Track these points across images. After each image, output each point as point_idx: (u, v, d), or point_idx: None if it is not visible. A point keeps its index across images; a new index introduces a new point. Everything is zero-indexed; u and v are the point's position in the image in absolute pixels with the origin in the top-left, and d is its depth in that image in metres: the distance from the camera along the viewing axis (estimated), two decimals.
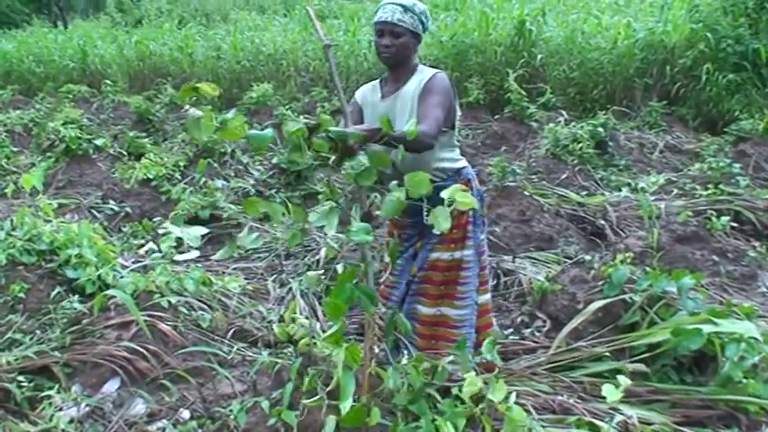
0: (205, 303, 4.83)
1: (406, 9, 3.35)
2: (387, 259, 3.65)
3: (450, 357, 3.17)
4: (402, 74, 3.53)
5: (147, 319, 4.28)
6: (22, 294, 4.54)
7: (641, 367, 3.74)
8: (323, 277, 5.71)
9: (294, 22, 19.74)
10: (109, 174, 9.01)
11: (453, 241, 3.54)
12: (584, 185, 8.17)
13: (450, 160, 3.58)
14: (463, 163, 3.66)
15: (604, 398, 3.00)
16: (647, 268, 4.66)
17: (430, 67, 3.62)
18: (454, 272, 3.57)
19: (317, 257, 5.93)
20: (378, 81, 3.70)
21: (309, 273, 3.62)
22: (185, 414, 3.88)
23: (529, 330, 4.76)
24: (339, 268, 5.54)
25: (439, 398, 3.18)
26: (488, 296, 3.75)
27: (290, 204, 3.01)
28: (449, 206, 2.73)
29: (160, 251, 5.28)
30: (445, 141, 3.58)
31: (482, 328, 3.61)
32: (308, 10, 3.25)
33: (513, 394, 2.97)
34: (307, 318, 4.96)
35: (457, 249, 3.55)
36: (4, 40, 25.14)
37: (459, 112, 3.66)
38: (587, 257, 5.74)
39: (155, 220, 7.13)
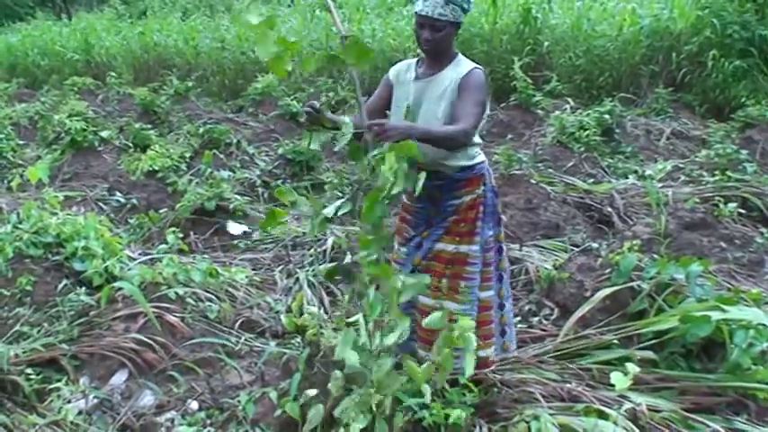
0: (212, 294, 4.83)
1: (447, 2, 3.28)
2: (396, 248, 3.66)
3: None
4: (440, 61, 3.50)
5: (154, 310, 4.29)
6: (29, 287, 4.55)
7: (650, 354, 3.74)
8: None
9: (299, 11, 19.69)
10: (115, 166, 9.01)
11: (459, 234, 3.52)
12: (590, 173, 8.15)
13: (467, 156, 3.55)
14: (480, 158, 3.62)
15: (613, 385, 2.99)
16: (655, 255, 4.65)
17: (468, 58, 3.59)
18: (459, 266, 3.54)
19: (324, 248, 5.92)
20: (414, 61, 3.65)
21: (321, 267, 3.64)
22: (194, 405, 3.90)
23: (537, 318, 4.75)
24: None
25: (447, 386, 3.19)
26: (491, 293, 3.71)
27: (308, 195, 3.04)
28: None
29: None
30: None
31: (481, 324, 3.59)
32: (328, 2, 3.20)
33: None
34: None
35: (463, 243, 3.53)
36: (9, 32, 25.12)
37: (488, 110, 3.63)
38: (594, 245, 5.73)
39: (161, 211, 7.13)
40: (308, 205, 3.05)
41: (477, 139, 3.54)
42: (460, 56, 3.55)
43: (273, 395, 3.39)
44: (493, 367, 3.69)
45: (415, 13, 3.38)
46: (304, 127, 2.98)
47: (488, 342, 3.63)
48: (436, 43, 3.39)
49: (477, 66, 3.51)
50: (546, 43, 13.06)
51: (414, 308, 3.66)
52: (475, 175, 3.56)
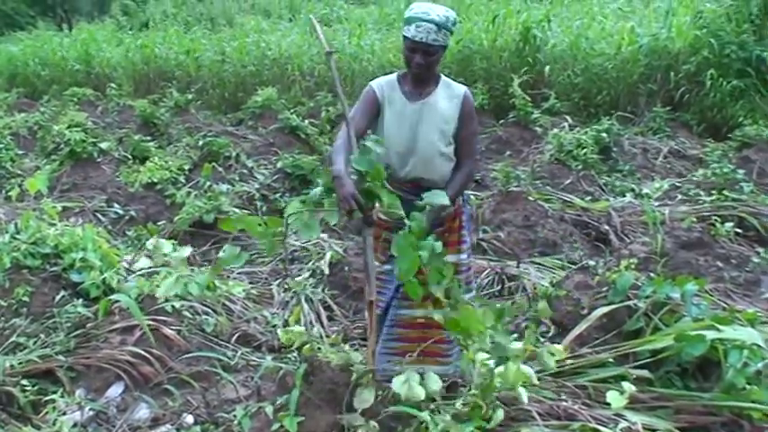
0: (209, 308, 4.83)
1: (440, 28, 3.35)
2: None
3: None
4: (428, 82, 3.57)
5: (151, 323, 4.29)
6: (26, 298, 4.55)
7: (645, 373, 3.74)
8: (326, 280, 5.72)
9: (299, 26, 19.75)
10: (113, 177, 9.02)
11: (447, 245, 3.53)
12: (588, 191, 8.18)
13: (451, 169, 3.62)
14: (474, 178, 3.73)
15: (609, 404, 3.00)
16: (652, 274, 4.66)
17: (447, 76, 3.69)
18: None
19: (322, 261, 5.93)
20: (394, 78, 3.69)
21: (295, 280, 3.66)
22: (189, 419, 3.89)
23: (533, 336, 4.75)
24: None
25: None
26: (471, 295, 3.75)
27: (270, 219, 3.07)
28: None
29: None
30: (453, 155, 3.63)
31: None
32: (311, 18, 3.30)
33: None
34: (311, 323, 4.98)
35: (452, 253, 3.56)
36: (10, 42, 25.18)
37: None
38: (591, 263, 5.73)
39: (159, 223, 7.13)
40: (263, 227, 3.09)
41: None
42: (442, 75, 3.67)
43: (269, 410, 3.38)
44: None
45: (406, 37, 3.43)
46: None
47: None
48: (428, 67, 3.47)
49: (466, 86, 3.66)
50: (545, 62, 13.12)
51: (398, 324, 3.69)
52: None
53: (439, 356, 3.66)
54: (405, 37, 3.45)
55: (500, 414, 3.09)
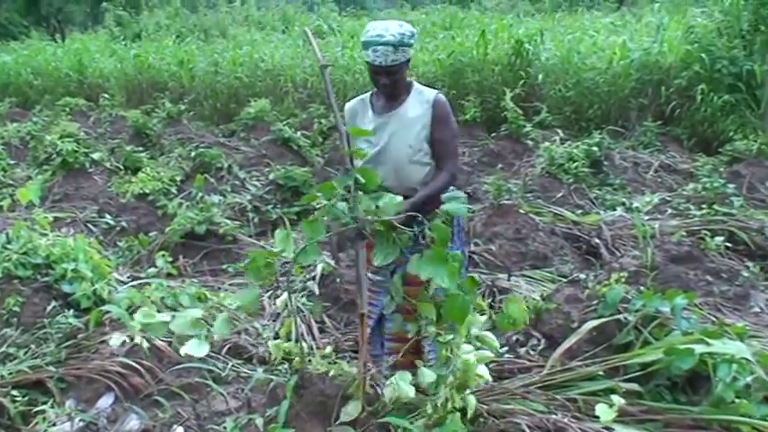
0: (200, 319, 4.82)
1: (396, 48, 3.38)
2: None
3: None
4: (400, 93, 3.61)
5: (142, 334, 4.28)
6: (17, 308, 4.54)
7: (635, 387, 3.75)
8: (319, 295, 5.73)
9: (292, 38, 19.79)
10: (105, 188, 9.02)
11: None
12: (579, 204, 8.20)
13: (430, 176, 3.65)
14: (456, 180, 3.73)
15: (598, 417, 3.01)
16: (642, 288, 4.68)
17: (423, 84, 3.74)
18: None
19: (314, 274, 5.93)
20: (368, 95, 3.76)
21: (278, 300, 3.67)
22: (179, 430, 3.89)
23: (524, 349, 4.76)
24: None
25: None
26: None
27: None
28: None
29: None
30: (433, 163, 3.65)
31: None
32: (305, 30, 3.33)
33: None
34: (302, 335, 4.98)
35: None
36: (3, 52, 25.14)
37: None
38: (582, 276, 5.76)
39: (150, 234, 7.13)
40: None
41: None
42: (415, 83, 3.70)
43: (260, 422, 3.39)
44: None
45: (368, 62, 3.48)
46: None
47: None
48: (394, 84, 3.53)
49: (438, 91, 3.68)
50: (537, 76, 13.17)
51: (391, 338, 3.71)
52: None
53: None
54: (366, 61, 3.50)
55: (472, 401, 3.11)
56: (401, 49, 3.39)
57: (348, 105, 3.80)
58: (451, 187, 3.71)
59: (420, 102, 3.59)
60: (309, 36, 3.27)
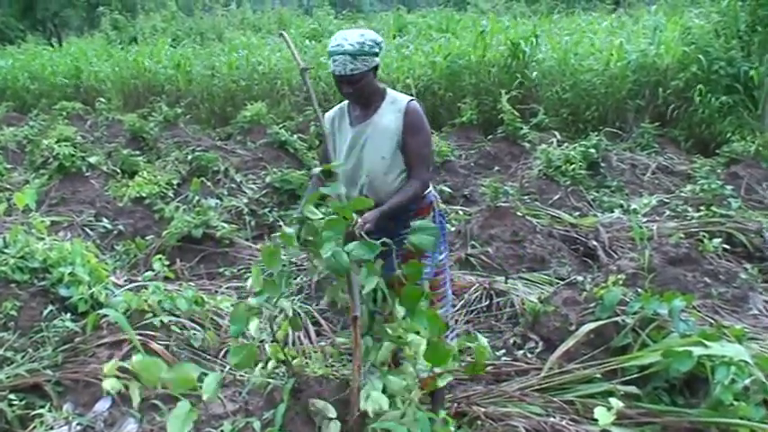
0: (197, 323, 4.82)
1: (355, 57, 3.39)
2: None
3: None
4: (371, 102, 3.61)
5: (139, 337, 4.27)
6: (14, 312, 4.53)
7: (633, 389, 3.75)
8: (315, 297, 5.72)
9: (288, 40, 19.79)
10: (102, 191, 9.01)
11: (409, 257, 3.56)
12: (576, 206, 8.20)
13: None
14: (428, 188, 3.72)
15: (596, 420, 3.01)
16: (639, 290, 4.68)
17: (397, 91, 3.74)
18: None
19: (310, 277, 5.92)
20: (346, 103, 3.76)
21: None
22: None
23: (521, 352, 4.76)
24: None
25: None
26: (442, 311, 3.76)
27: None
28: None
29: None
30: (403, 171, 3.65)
31: None
32: (283, 35, 3.37)
33: None
34: (299, 338, 4.98)
35: None
36: None
37: (431, 138, 3.75)
38: (580, 279, 5.75)
39: (147, 238, 7.12)
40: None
41: None
42: (389, 90, 3.70)
43: (257, 425, 3.38)
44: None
45: (331, 72, 3.50)
46: None
47: None
48: (359, 93, 3.53)
49: (411, 97, 3.67)
50: (534, 76, 13.18)
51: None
52: (425, 203, 3.68)
53: None
54: (331, 73, 3.53)
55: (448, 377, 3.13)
56: (361, 59, 3.40)
57: (327, 114, 3.80)
58: (432, 192, 3.73)
59: (393, 111, 3.58)
60: (288, 40, 3.30)
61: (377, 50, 3.47)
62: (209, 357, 4.58)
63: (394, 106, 3.59)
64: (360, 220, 3.17)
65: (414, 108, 3.59)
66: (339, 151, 3.65)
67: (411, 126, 3.54)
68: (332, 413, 3.02)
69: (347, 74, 3.41)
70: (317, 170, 3.43)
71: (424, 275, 3.57)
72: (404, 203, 3.42)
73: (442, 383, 3.22)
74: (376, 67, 3.54)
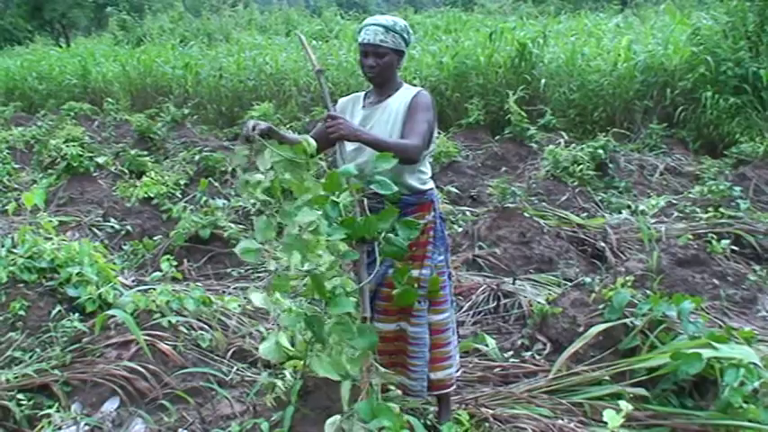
0: (205, 323, 4.82)
1: (387, 29, 3.45)
2: None
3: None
4: (386, 89, 3.63)
5: (146, 338, 4.28)
6: (22, 312, 4.54)
7: (641, 391, 3.74)
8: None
9: (295, 41, 19.81)
10: (110, 192, 9.03)
11: (412, 258, 3.55)
12: (584, 207, 8.18)
13: (419, 179, 3.62)
14: (430, 185, 3.71)
15: (605, 422, 2.99)
16: (648, 292, 4.67)
17: (415, 86, 3.73)
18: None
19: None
20: (362, 94, 3.78)
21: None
22: None
23: (529, 353, 4.75)
24: None
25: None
26: (443, 316, 3.73)
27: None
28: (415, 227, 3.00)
29: None
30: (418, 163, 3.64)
31: (434, 347, 3.63)
32: (298, 35, 3.37)
33: None
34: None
35: (414, 267, 3.55)
36: (7, 56, 25.24)
37: (436, 134, 3.73)
38: (588, 280, 5.74)
39: (155, 238, 7.13)
40: None
41: (427, 167, 3.69)
42: (406, 84, 3.71)
43: (265, 426, 3.38)
44: (452, 388, 3.77)
45: (359, 44, 3.54)
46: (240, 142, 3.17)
47: (442, 364, 3.68)
48: (380, 69, 3.53)
49: (423, 89, 3.68)
50: (541, 78, 13.16)
51: None
52: (425, 200, 3.66)
53: (408, 370, 3.64)
54: (359, 44, 3.56)
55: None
56: (392, 34, 3.45)
57: (341, 101, 3.84)
58: (434, 192, 3.73)
59: (405, 96, 3.59)
60: (303, 41, 3.32)
61: (406, 36, 3.53)
62: (216, 358, 4.58)
63: (406, 93, 3.61)
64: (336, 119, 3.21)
65: (423, 93, 3.61)
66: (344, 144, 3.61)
67: (416, 104, 3.54)
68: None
69: (376, 43, 3.44)
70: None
71: (422, 275, 3.57)
72: (383, 144, 3.27)
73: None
74: (401, 55, 3.57)
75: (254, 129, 3.24)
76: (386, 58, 3.50)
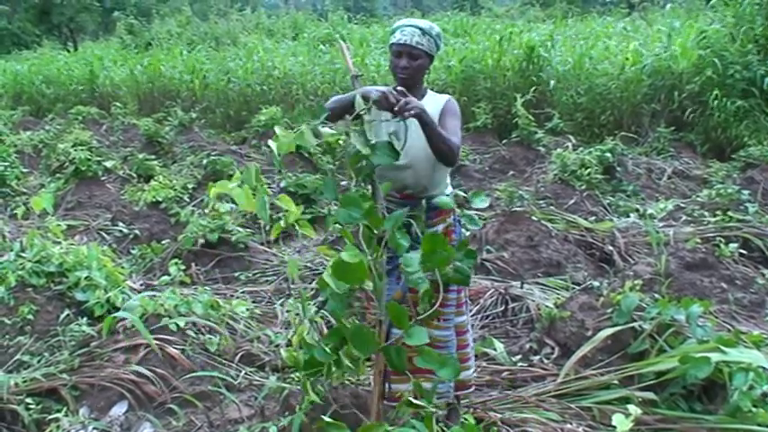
0: (213, 327, 4.83)
1: (424, 32, 3.47)
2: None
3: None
4: (413, 93, 3.58)
5: (155, 342, 4.29)
6: (30, 316, 4.55)
7: (650, 395, 3.74)
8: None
9: (302, 45, 19.84)
10: (118, 196, 9.05)
11: None
12: (592, 211, 8.16)
13: (445, 183, 3.70)
14: (450, 189, 3.75)
15: (614, 426, 2.99)
16: (656, 295, 4.66)
17: (437, 92, 3.76)
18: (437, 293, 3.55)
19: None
20: (390, 88, 3.74)
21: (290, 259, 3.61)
22: None
23: (537, 357, 4.74)
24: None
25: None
26: (463, 318, 3.76)
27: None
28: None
29: None
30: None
31: (458, 348, 3.65)
32: (339, 42, 3.42)
33: None
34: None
35: None
36: (15, 61, 25.32)
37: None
38: (596, 284, 5.73)
39: (163, 242, 7.14)
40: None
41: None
42: (430, 90, 3.73)
43: (273, 430, 3.38)
44: (472, 389, 3.81)
45: (392, 44, 3.55)
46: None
47: (466, 365, 3.73)
48: (413, 71, 3.53)
49: (451, 96, 3.73)
50: (549, 81, 13.16)
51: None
52: (448, 204, 3.65)
53: (430, 373, 3.63)
54: (391, 45, 3.57)
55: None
56: (427, 37, 3.48)
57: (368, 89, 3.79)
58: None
59: (437, 102, 3.61)
60: (343, 48, 3.35)
61: (439, 42, 3.58)
62: (224, 362, 4.59)
63: (436, 99, 3.63)
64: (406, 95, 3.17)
65: (454, 101, 3.66)
66: (381, 131, 3.56)
67: (448, 110, 3.57)
68: None
69: (413, 44, 3.46)
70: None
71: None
72: (443, 135, 3.30)
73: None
74: (432, 60, 3.60)
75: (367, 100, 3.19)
76: (419, 60, 3.52)
